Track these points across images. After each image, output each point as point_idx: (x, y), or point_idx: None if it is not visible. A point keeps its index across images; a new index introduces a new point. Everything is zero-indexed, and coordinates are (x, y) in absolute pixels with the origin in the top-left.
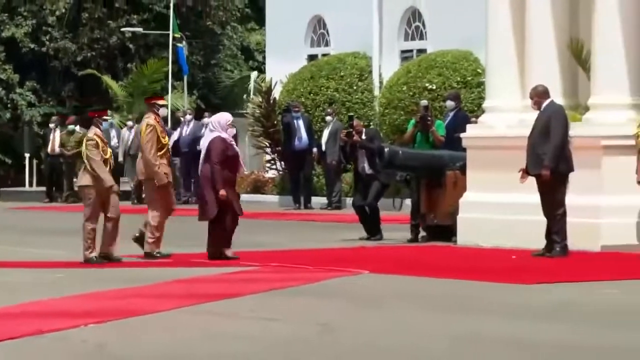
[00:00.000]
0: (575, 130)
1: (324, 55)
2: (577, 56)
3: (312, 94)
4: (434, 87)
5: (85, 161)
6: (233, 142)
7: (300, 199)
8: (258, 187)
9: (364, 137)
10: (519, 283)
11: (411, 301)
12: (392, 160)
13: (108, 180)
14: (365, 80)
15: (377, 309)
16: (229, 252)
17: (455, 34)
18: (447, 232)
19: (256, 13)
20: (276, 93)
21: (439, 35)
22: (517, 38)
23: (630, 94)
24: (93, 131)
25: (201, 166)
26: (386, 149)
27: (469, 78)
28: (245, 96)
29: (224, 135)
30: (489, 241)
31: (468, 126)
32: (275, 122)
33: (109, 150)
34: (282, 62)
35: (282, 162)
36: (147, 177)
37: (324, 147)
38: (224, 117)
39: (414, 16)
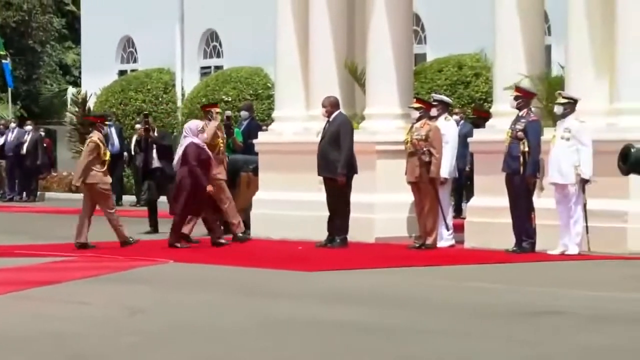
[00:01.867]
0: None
1: (132, 70)
2: (353, 73)
3: (122, 105)
4: (230, 99)
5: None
6: (204, 146)
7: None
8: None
9: (155, 134)
10: (305, 270)
11: (211, 287)
12: None
13: (75, 178)
14: (170, 93)
15: (182, 294)
16: (222, 240)
17: (249, 52)
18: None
19: (73, 33)
20: (91, 104)
21: (234, 53)
22: (302, 56)
23: (400, 106)
24: (96, 135)
25: (177, 168)
26: None
27: (260, 91)
28: (63, 107)
29: (196, 140)
30: (279, 234)
31: (260, 133)
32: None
33: (108, 152)
34: (96, 77)
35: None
36: None
37: (133, 152)
38: (194, 124)
39: (211, 37)
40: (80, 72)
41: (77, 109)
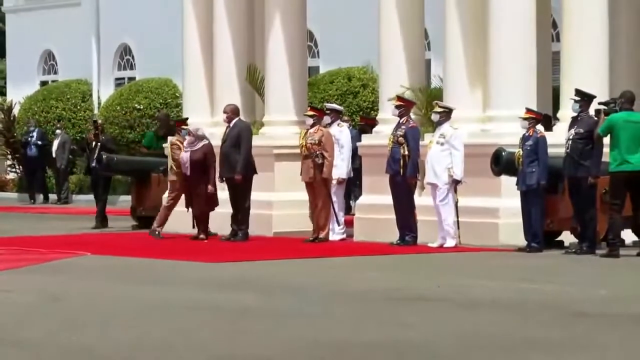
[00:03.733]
0: (254, 141)
1: (53, 81)
2: (254, 84)
3: (44, 113)
4: (142, 107)
5: (170, 160)
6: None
7: (35, 195)
8: (1, 186)
9: (103, 137)
10: (210, 262)
11: (124, 277)
12: (109, 164)
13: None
14: (87, 102)
15: (98, 283)
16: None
17: (159, 64)
18: (153, 221)
19: None
20: (15, 111)
21: (146, 66)
22: (207, 68)
23: (295, 113)
24: (175, 137)
25: None
26: (104, 156)
27: (170, 100)
28: None
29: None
30: (186, 229)
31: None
32: (15, 134)
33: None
34: (20, 87)
35: (20, 166)
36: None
37: (54, 154)
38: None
39: (125, 51)
40: (5, 82)
41: (2, 116)
